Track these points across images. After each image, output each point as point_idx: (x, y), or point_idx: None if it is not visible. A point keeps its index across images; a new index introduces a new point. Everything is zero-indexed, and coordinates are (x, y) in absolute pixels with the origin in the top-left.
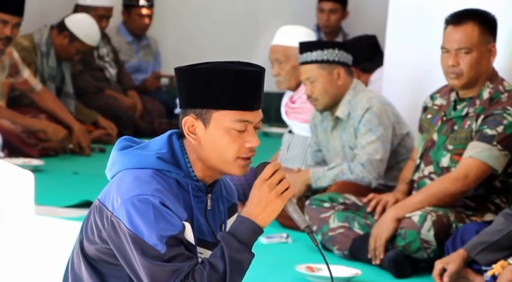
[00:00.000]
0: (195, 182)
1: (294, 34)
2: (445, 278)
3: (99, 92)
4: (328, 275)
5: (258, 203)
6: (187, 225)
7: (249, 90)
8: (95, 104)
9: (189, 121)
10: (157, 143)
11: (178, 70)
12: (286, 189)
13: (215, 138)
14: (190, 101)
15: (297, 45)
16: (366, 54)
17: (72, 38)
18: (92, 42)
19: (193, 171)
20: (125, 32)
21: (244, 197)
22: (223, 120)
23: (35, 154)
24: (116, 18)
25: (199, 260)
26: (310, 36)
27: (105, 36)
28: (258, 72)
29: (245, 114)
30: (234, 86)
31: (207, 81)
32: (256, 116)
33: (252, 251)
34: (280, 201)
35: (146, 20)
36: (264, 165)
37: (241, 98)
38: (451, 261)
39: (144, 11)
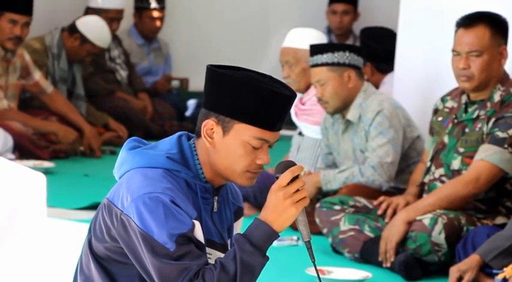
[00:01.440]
0: (204, 183)
1: (304, 36)
2: None
3: (110, 94)
4: (340, 277)
5: (273, 209)
6: (197, 224)
7: (277, 112)
8: (106, 106)
9: (209, 124)
10: (167, 144)
11: (212, 71)
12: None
13: (230, 148)
14: (216, 106)
15: (307, 47)
16: (383, 55)
17: (83, 40)
18: (102, 45)
19: (202, 173)
20: (136, 35)
21: (254, 200)
22: (243, 133)
23: (45, 156)
24: (127, 21)
25: (209, 260)
26: (321, 38)
27: (116, 39)
28: (290, 97)
29: (265, 133)
30: (265, 104)
31: (239, 92)
32: (275, 136)
33: (267, 255)
34: (294, 209)
35: (157, 23)
36: (286, 165)
37: (268, 117)
38: (469, 269)
39: (156, 14)
